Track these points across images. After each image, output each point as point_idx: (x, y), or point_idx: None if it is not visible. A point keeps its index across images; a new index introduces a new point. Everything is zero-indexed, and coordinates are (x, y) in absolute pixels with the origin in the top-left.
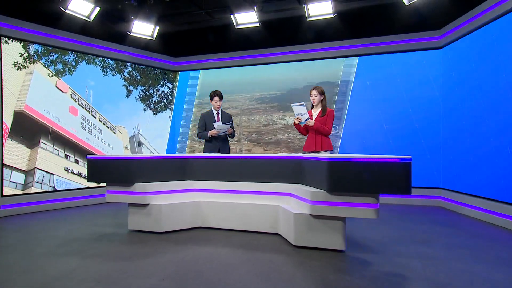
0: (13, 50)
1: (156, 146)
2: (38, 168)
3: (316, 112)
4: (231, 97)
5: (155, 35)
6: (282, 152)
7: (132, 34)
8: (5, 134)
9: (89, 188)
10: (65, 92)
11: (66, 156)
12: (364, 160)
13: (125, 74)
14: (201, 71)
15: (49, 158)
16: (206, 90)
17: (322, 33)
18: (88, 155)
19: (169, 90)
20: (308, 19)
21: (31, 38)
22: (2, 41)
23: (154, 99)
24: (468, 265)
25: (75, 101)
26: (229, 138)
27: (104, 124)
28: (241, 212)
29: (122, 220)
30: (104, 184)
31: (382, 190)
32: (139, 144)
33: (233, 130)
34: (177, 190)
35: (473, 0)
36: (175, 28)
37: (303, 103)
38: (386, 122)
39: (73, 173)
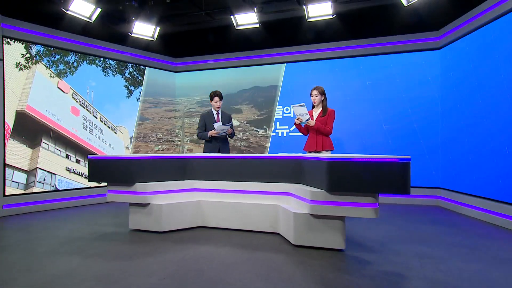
0: (15, 51)
1: None
2: (39, 168)
3: (317, 112)
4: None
5: (155, 36)
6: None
7: (133, 34)
8: (7, 134)
9: (90, 188)
10: (67, 93)
11: (67, 156)
12: (364, 160)
13: (126, 74)
14: (201, 71)
15: (50, 158)
16: (206, 91)
17: (322, 34)
18: (89, 155)
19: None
20: (307, 20)
21: (33, 39)
22: (4, 42)
23: None
24: (467, 264)
25: (77, 102)
26: (228, 139)
27: (105, 124)
28: (241, 212)
29: (122, 220)
30: (105, 184)
31: (381, 190)
32: None
33: (233, 130)
34: (178, 190)
35: (472, 1)
36: (176, 29)
37: (303, 103)
38: (386, 122)
39: (74, 173)
